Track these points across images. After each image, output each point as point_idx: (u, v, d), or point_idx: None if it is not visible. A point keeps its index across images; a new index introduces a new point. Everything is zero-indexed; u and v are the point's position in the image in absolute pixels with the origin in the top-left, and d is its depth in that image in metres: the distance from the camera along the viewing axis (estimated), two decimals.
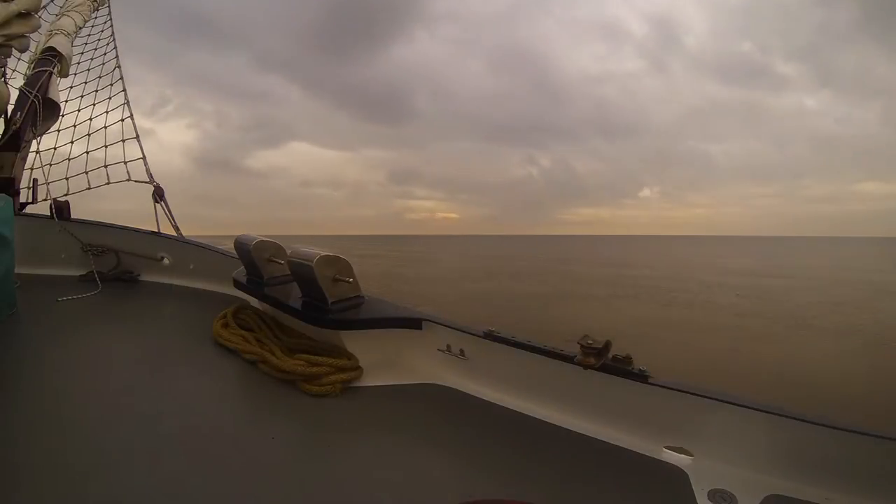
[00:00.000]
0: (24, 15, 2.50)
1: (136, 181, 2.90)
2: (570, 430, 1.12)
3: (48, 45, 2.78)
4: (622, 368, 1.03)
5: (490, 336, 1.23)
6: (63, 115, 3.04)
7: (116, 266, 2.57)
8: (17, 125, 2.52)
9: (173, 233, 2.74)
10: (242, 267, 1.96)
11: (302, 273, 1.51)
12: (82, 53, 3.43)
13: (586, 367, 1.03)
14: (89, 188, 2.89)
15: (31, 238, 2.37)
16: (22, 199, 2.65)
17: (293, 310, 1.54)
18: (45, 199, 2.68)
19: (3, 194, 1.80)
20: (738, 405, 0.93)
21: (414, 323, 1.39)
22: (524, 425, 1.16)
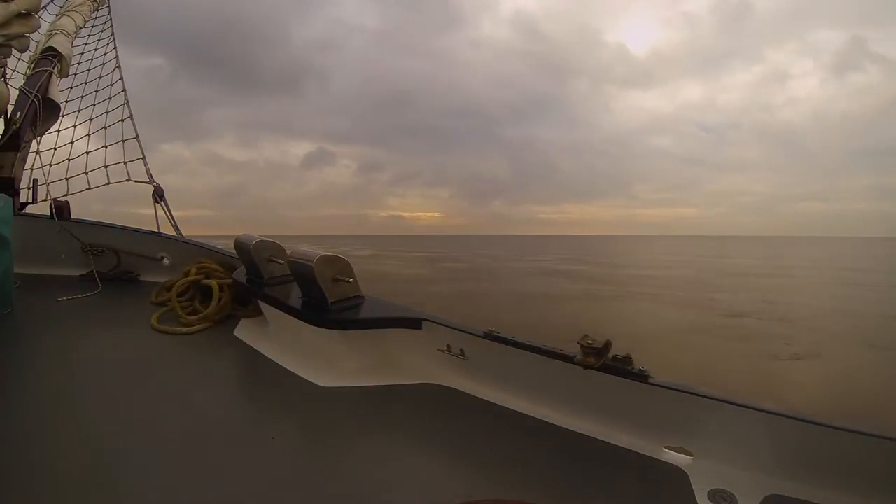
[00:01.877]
0: (24, 15, 2.50)
1: (135, 181, 2.90)
2: (570, 430, 1.12)
3: (48, 45, 2.79)
4: (622, 368, 1.02)
5: (490, 336, 1.23)
6: (63, 116, 3.05)
7: (116, 266, 2.57)
8: (17, 125, 2.52)
9: (173, 233, 2.74)
10: (243, 267, 1.96)
11: (302, 273, 1.52)
12: (82, 54, 3.43)
13: (586, 367, 1.02)
14: (89, 188, 2.89)
15: (31, 238, 2.37)
16: (22, 199, 2.65)
17: (293, 310, 1.54)
18: (45, 200, 2.68)
19: (3, 194, 1.80)
20: (738, 405, 0.93)
21: (414, 323, 1.39)
22: (524, 425, 1.16)
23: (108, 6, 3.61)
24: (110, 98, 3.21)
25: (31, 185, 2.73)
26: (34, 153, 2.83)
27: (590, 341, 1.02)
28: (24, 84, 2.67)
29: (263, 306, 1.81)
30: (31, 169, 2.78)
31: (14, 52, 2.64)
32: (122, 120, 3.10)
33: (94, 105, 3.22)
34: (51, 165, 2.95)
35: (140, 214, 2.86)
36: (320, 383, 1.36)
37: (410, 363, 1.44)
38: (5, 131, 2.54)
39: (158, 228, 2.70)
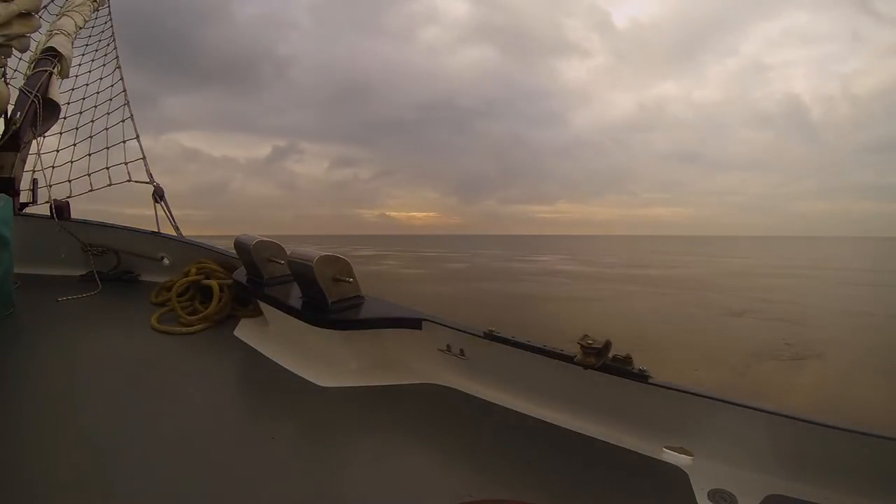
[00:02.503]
0: (24, 15, 2.50)
1: (136, 182, 2.90)
2: (570, 430, 1.12)
3: (48, 45, 2.79)
4: (622, 368, 1.02)
5: (490, 336, 1.23)
6: (64, 118, 3.05)
7: (116, 266, 2.57)
8: (17, 125, 2.52)
9: (173, 233, 2.74)
10: (242, 267, 1.97)
11: (302, 273, 1.52)
12: (83, 55, 3.44)
13: (586, 367, 1.03)
14: (91, 190, 2.90)
15: (31, 238, 2.38)
16: (22, 199, 2.66)
17: (293, 310, 1.54)
18: (45, 202, 2.68)
19: (3, 194, 1.80)
20: (738, 405, 0.93)
21: (414, 323, 1.40)
22: (524, 425, 1.16)
23: (108, 6, 3.62)
24: (111, 99, 3.22)
25: (31, 186, 2.74)
26: (34, 154, 2.83)
27: (590, 341, 1.02)
28: (25, 84, 2.68)
29: (263, 306, 1.81)
30: (33, 171, 2.79)
31: (14, 52, 2.65)
32: (123, 120, 3.10)
33: (96, 107, 3.23)
34: (52, 167, 2.95)
35: (140, 214, 2.86)
36: (320, 383, 1.36)
37: (410, 363, 1.44)
38: (5, 131, 2.54)
39: (158, 228, 2.71)
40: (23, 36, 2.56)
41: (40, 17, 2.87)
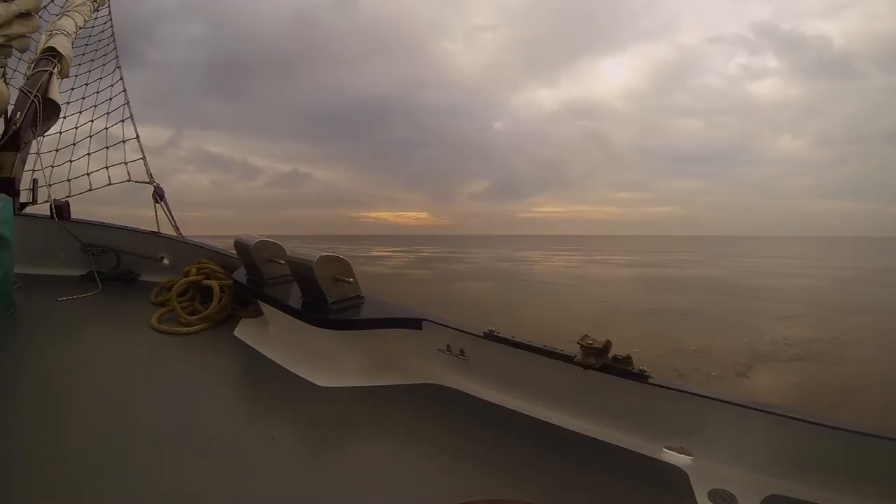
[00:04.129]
0: (24, 15, 2.51)
1: (136, 181, 2.91)
2: (570, 430, 1.12)
3: (48, 45, 2.79)
4: (622, 368, 1.02)
5: (490, 336, 1.23)
6: (64, 118, 3.05)
7: (116, 266, 2.57)
8: (17, 125, 2.52)
9: (173, 233, 2.75)
10: (243, 267, 1.97)
11: (302, 273, 1.52)
12: (83, 55, 3.44)
13: (586, 367, 1.03)
14: (91, 189, 2.90)
15: (31, 238, 2.38)
16: (22, 199, 2.66)
17: (293, 310, 1.54)
18: (45, 201, 2.69)
19: (3, 194, 1.81)
20: (738, 405, 0.93)
21: (414, 323, 1.40)
22: (524, 425, 1.16)
23: (108, 6, 3.63)
24: (111, 99, 3.22)
25: (31, 186, 2.74)
26: (34, 154, 2.83)
27: (590, 341, 1.02)
28: (25, 84, 2.68)
29: (263, 306, 1.82)
30: (33, 170, 2.80)
31: (14, 52, 2.65)
32: (123, 120, 3.11)
33: (95, 106, 3.23)
34: (52, 167, 2.96)
35: (140, 215, 2.84)
36: (320, 383, 1.36)
37: (410, 363, 1.44)
38: (5, 131, 2.54)
39: (158, 228, 2.71)
40: (23, 36, 2.57)
41: (40, 17, 2.87)
